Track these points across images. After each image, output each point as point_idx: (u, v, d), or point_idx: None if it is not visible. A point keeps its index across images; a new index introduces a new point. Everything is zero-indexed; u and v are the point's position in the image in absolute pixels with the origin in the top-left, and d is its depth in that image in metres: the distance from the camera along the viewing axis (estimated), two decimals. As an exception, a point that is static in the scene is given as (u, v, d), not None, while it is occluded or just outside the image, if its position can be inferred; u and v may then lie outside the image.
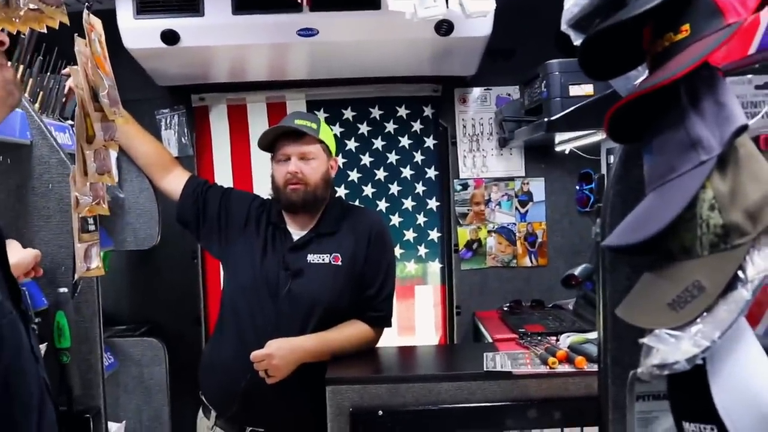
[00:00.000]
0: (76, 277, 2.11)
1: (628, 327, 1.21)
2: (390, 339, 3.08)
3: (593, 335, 2.59)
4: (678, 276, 1.07)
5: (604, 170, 3.49)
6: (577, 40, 1.43)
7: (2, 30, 1.27)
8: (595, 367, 2.30)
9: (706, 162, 1.05)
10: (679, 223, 1.05)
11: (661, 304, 1.06)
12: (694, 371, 1.02)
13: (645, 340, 1.06)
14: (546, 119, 2.80)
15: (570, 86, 2.79)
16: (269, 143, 2.78)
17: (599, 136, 3.13)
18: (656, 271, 1.13)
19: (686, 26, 1.10)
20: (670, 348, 1.01)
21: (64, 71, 2.57)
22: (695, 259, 1.06)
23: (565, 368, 2.39)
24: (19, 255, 1.98)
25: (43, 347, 2.05)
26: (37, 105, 2.42)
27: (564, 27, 1.46)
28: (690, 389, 1.07)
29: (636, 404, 1.27)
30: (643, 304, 1.12)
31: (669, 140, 1.10)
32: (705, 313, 1.02)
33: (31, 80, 2.45)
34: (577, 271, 2.94)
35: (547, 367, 2.39)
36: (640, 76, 1.32)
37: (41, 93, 2.49)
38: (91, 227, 2.08)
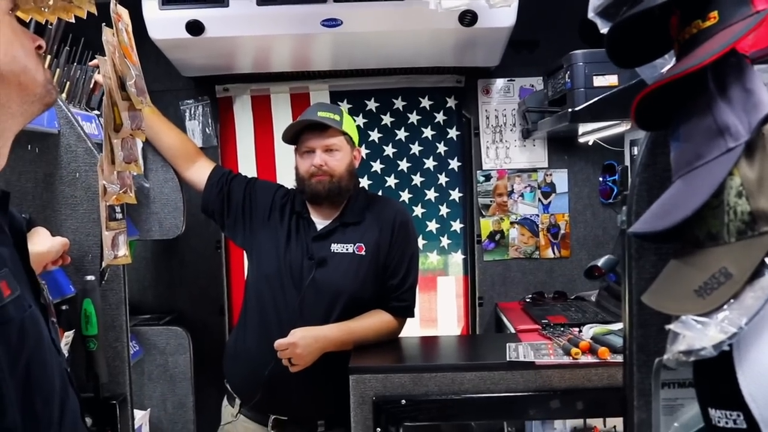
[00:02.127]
0: (103, 264, 2.14)
1: (654, 314, 1.21)
2: (412, 330, 3.09)
3: (616, 326, 2.59)
4: (705, 263, 1.07)
5: (627, 161, 3.49)
6: (603, 28, 1.43)
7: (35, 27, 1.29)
8: (618, 358, 2.33)
9: (734, 149, 1.05)
10: (706, 210, 1.05)
11: (687, 291, 1.06)
12: (720, 358, 1.02)
13: (671, 327, 1.06)
14: (570, 110, 2.79)
15: (594, 77, 2.77)
16: (293, 136, 2.79)
17: (623, 127, 3.12)
18: (683, 258, 1.13)
19: (714, 13, 1.09)
20: (696, 334, 1.01)
21: (91, 62, 2.58)
22: (722, 245, 1.06)
23: (588, 359, 2.38)
24: (48, 243, 2.01)
25: (70, 334, 2.07)
26: (63, 95, 2.44)
27: (591, 15, 1.46)
28: (716, 376, 1.06)
29: (661, 392, 1.27)
30: (669, 291, 1.12)
31: (696, 127, 1.10)
32: (732, 300, 1.02)
33: (57, 70, 2.46)
34: (600, 262, 2.92)
35: (570, 357, 2.38)
36: (666, 64, 1.32)
37: (68, 83, 2.51)
38: (119, 215, 2.11)
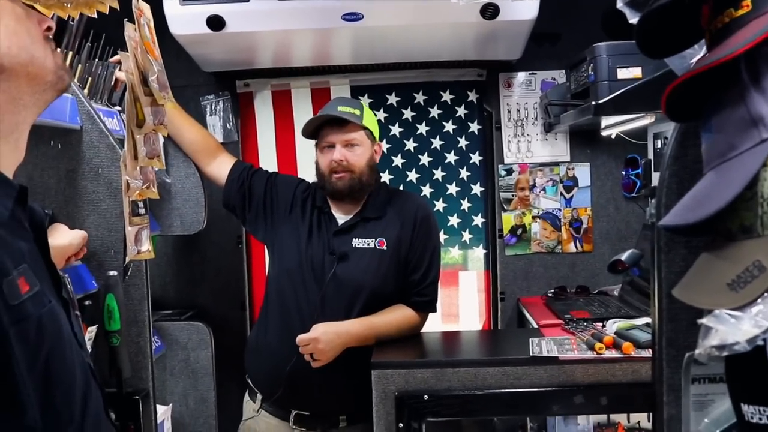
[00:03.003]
0: (126, 259, 2.14)
1: (684, 308, 1.19)
2: (434, 325, 3.08)
3: (640, 321, 2.58)
4: (737, 256, 1.05)
5: (650, 155, 3.46)
6: (632, 18, 1.41)
7: (51, 16, 1.28)
8: (642, 354, 2.32)
9: (768, 140, 1.03)
10: (738, 202, 1.03)
11: (720, 285, 1.04)
12: (753, 353, 1.00)
13: (704, 321, 1.04)
14: (593, 102, 2.77)
15: (618, 69, 2.75)
16: (313, 130, 2.79)
17: (646, 120, 3.10)
18: (714, 251, 1.11)
19: (747, 1, 1.07)
20: (729, 328, 0.99)
21: (112, 59, 2.59)
22: (755, 238, 1.04)
23: (612, 354, 2.37)
24: (68, 237, 2.01)
25: (93, 329, 2.08)
26: (85, 91, 2.44)
27: (620, 5, 1.44)
28: (749, 371, 1.05)
29: (691, 387, 1.26)
30: (701, 285, 1.10)
31: (729, 118, 1.08)
32: (766, 294, 1.00)
33: (79, 67, 2.47)
34: (623, 256, 2.90)
35: (594, 352, 2.37)
36: (696, 54, 1.30)
37: (90, 79, 2.52)
38: (142, 211, 2.11)
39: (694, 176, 1.17)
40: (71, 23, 2.35)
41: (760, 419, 1.04)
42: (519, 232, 3.82)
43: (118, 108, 2.60)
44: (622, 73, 2.75)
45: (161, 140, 2.19)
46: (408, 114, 3.80)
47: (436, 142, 3.81)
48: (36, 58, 1.20)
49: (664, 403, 1.26)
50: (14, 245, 1.12)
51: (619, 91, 2.66)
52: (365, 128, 2.74)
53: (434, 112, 3.80)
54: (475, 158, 3.82)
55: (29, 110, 1.22)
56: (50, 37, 1.26)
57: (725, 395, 1.14)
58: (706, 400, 1.27)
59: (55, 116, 1.98)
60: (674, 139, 1.26)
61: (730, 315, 1.01)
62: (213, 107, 3.74)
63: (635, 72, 2.74)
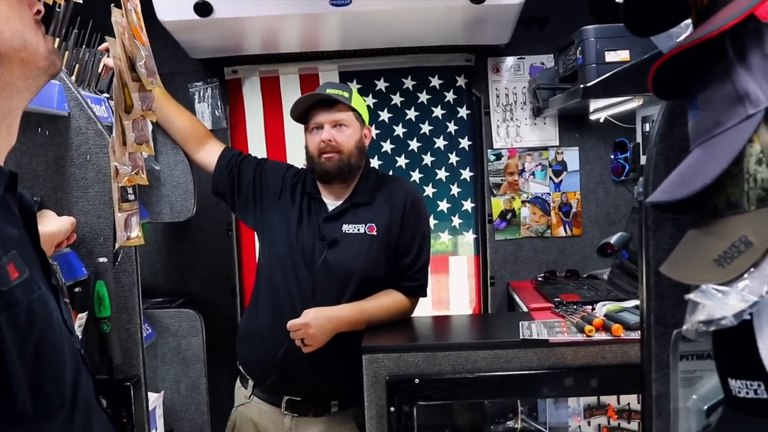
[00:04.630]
0: (116, 246, 2.14)
1: (672, 286, 1.20)
2: (424, 310, 3.08)
3: (629, 304, 2.59)
4: (724, 231, 1.06)
5: (639, 139, 3.47)
6: (619, -3, 1.41)
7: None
8: (632, 335, 2.33)
9: (754, 115, 1.03)
10: (725, 178, 1.04)
11: (707, 260, 1.05)
12: (740, 327, 1.01)
13: (691, 296, 1.05)
14: (582, 86, 2.77)
15: (606, 52, 2.76)
16: (302, 114, 2.78)
17: (635, 103, 3.10)
18: (701, 227, 1.11)
19: (732, -22, 1.08)
20: (717, 303, 1.00)
21: (100, 47, 2.58)
22: (742, 214, 1.05)
23: (602, 336, 2.37)
24: (56, 223, 2.01)
25: (83, 316, 2.07)
26: (73, 78, 2.43)
27: (606, -17, 1.44)
28: (736, 345, 1.05)
29: (679, 364, 1.27)
30: (688, 261, 1.11)
31: (715, 94, 1.08)
32: (752, 269, 1.00)
33: (66, 53, 2.45)
34: (613, 239, 2.91)
35: (584, 335, 2.38)
36: (682, 33, 1.30)
37: (77, 66, 2.50)
38: (131, 197, 2.10)
39: (681, 154, 1.18)
40: (58, 9, 2.33)
41: (747, 393, 1.05)
42: (508, 216, 3.83)
43: (105, 95, 2.58)
44: (610, 56, 2.76)
45: (150, 126, 2.18)
46: (397, 99, 3.80)
47: (425, 128, 3.81)
48: (29, 43, 1.20)
49: (652, 380, 1.26)
50: (4, 231, 1.12)
51: (608, 74, 2.67)
52: (354, 110, 2.74)
53: (423, 97, 3.80)
54: (464, 143, 3.82)
55: (22, 96, 1.22)
56: (40, 21, 1.26)
57: (713, 372, 1.15)
58: (694, 377, 1.28)
59: (43, 103, 1.97)
60: (661, 116, 1.26)
61: (717, 290, 1.01)
62: (201, 94, 3.73)
63: (623, 55, 2.74)
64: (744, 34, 1.06)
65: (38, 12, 1.24)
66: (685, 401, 1.28)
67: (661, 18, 1.26)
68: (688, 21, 1.23)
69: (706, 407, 1.26)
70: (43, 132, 2.16)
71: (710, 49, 1.08)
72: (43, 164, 2.18)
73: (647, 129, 3.40)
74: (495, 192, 3.82)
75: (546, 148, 3.82)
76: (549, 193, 3.83)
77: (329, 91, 2.72)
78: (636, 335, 2.33)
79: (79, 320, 2.03)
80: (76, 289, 2.05)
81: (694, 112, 1.13)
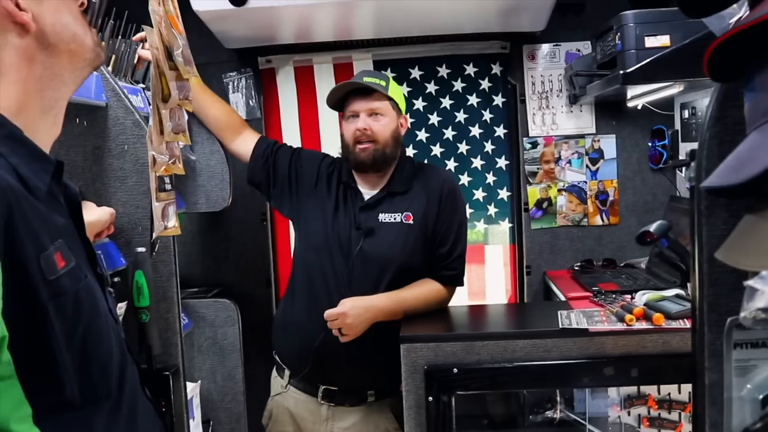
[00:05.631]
0: (154, 235, 2.14)
1: (726, 273, 1.17)
2: (460, 300, 3.06)
3: (669, 293, 2.55)
4: (783, 216, 1.03)
5: (678, 125, 3.42)
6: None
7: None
8: (673, 324, 2.30)
9: (814, 96, 1.00)
10: (784, 162, 1.01)
11: (765, 246, 1.02)
12: (800, 315, 0.98)
13: (750, 282, 1.02)
14: (621, 72, 2.73)
15: (646, 38, 2.71)
16: (338, 102, 2.77)
17: (674, 89, 3.06)
18: (759, 212, 1.08)
19: (793, -45, 1.04)
20: (777, 290, 0.98)
21: (136, 36, 2.58)
22: (801, 198, 1.02)
23: (643, 325, 2.35)
24: (96, 213, 2.02)
25: (123, 306, 2.08)
26: (109, 68, 2.44)
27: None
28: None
29: (733, 352, 1.24)
30: (745, 247, 1.08)
31: (773, 76, 1.05)
32: (814, 253, 0.98)
33: (103, 44, 2.46)
34: (652, 227, 2.87)
35: (624, 324, 2.35)
36: (735, 14, 1.27)
37: (113, 57, 2.51)
38: (168, 186, 2.10)
39: (735, 138, 1.15)
40: (94, 1, 2.34)
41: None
42: (544, 205, 3.79)
43: (141, 86, 2.59)
44: (650, 42, 2.71)
45: (186, 116, 2.19)
46: (431, 88, 3.78)
47: (460, 116, 3.78)
48: (77, 35, 1.22)
49: (705, 369, 1.24)
50: (51, 220, 1.12)
51: (648, 60, 2.62)
52: (391, 99, 2.72)
53: (458, 85, 3.77)
54: (500, 131, 3.79)
55: (68, 87, 1.24)
56: (84, 13, 1.27)
57: (768, 361, 1.12)
58: (749, 366, 1.25)
59: (81, 93, 1.97)
60: (715, 100, 1.23)
61: (776, 276, 0.99)
62: (235, 84, 3.73)
63: (663, 40, 2.70)
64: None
65: (82, 4, 1.26)
66: (739, 390, 1.25)
67: (714, -2, 1.23)
68: (742, 1, 1.20)
69: (761, 397, 1.24)
70: (81, 122, 2.17)
71: (768, 29, 1.05)
72: (81, 155, 2.19)
73: (686, 116, 3.35)
74: (531, 180, 3.79)
75: (582, 136, 3.78)
76: (585, 182, 3.79)
77: (366, 79, 2.70)
78: (677, 324, 2.30)
79: (119, 310, 2.04)
80: (115, 279, 2.06)
81: (751, 94, 1.10)
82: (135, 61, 2.62)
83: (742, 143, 1.07)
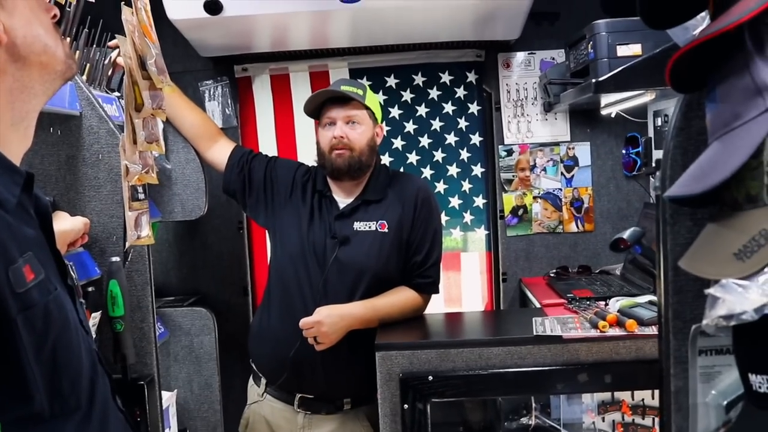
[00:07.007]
0: (127, 245, 2.14)
1: (690, 280, 1.19)
2: (436, 307, 3.07)
3: (643, 299, 2.58)
4: (744, 225, 1.05)
5: (651, 133, 3.45)
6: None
7: (50, 1, 1.28)
8: (646, 331, 2.32)
9: (773, 108, 1.02)
10: (744, 172, 1.03)
11: (726, 255, 1.04)
12: (761, 322, 1.00)
13: (711, 291, 1.04)
14: (593, 80, 2.76)
15: (618, 46, 2.73)
16: (315, 109, 2.78)
17: (646, 97, 3.09)
18: (720, 221, 1.10)
19: (751, -31, 1.06)
20: (737, 298, 0.99)
21: (110, 43, 2.57)
22: (761, 207, 1.04)
23: (616, 332, 2.37)
24: (69, 223, 2.01)
25: (97, 315, 2.08)
26: (84, 77, 2.43)
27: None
28: (757, 340, 1.05)
29: (698, 359, 1.26)
30: (707, 255, 1.10)
31: (733, 87, 1.07)
32: (773, 263, 0.99)
33: (77, 53, 2.45)
34: (626, 234, 2.90)
35: (598, 330, 2.37)
36: (698, 26, 1.29)
37: (87, 65, 2.50)
38: (141, 196, 2.10)
39: (699, 148, 1.17)
40: (68, 9, 2.33)
41: (768, 388, 1.04)
42: (520, 212, 3.82)
43: (116, 94, 2.58)
44: (622, 50, 2.73)
45: (160, 125, 2.19)
46: (407, 96, 3.79)
47: (436, 124, 3.80)
48: (48, 47, 1.21)
49: (671, 375, 1.26)
50: (20, 233, 1.12)
51: (620, 68, 2.65)
52: (367, 108, 2.73)
53: (434, 93, 3.79)
54: (475, 139, 3.80)
55: (39, 99, 1.23)
56: (56, 24, 1.27)
57: (732, 367, 1.14)
58: (713, 372, 1.27)
59: (55, 102, 1.97)
60: (678, 110, 1.25)
61: (737, 284, 1.01)
62: (211, 92, 3.73)
63: (635, 49, 2.72)
64: (762, 25, 1.05)
65: (54, 16, 1.26)
66: (704, 397, 1.27)
67: (678, 10, 1.25)
68: (705, 13, 1.22)
69: (725, 403, 1.25)
70: (55, 132, 2.16)
71: (728, 41, 1.07)
72: (56, 164, 2.18)
73: (659, 123, 3.38)
74: (506, 188, 3.81)
75: (557, 144, 3.81)
76: (560, 189, 3.82)
77: (344, 87, 2.71)
78: (650, 331, 2.33)
79: (93, 320, 2.04)
80: (90, 289, 2.05)
81: (712, 105, 1.12)
82: (111, 66, 2.61)
83: (703, 153, 1.10)
